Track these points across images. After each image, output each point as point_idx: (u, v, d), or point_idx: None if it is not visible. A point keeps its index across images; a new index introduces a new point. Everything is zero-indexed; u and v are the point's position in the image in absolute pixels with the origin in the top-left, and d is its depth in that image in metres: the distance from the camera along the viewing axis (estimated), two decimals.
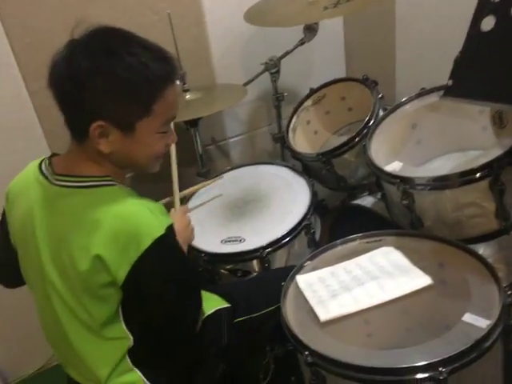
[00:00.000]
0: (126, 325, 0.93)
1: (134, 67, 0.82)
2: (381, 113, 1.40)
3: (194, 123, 1.54)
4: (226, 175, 1.58)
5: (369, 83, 1.47)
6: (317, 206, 1.44)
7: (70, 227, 0.87)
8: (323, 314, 0.96)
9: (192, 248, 1.31)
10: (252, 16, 1.49)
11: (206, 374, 1.05)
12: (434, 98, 1.28)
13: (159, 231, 0.85)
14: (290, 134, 1.59)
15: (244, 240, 1.31)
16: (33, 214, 0.92)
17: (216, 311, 1.08)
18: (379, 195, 1.34)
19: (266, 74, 1.63)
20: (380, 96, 1.42)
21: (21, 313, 1.52)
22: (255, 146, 1.97)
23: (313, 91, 1.64)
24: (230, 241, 1.32)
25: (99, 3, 1.49)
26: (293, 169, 1.53)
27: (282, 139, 1.66)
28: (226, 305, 1.11)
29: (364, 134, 1.35)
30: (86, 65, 0.82)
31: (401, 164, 1.19)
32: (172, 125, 1.10)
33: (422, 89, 1.31)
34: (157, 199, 1.21)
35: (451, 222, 1.12)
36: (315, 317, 0.97)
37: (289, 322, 0.97)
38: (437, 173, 1.09)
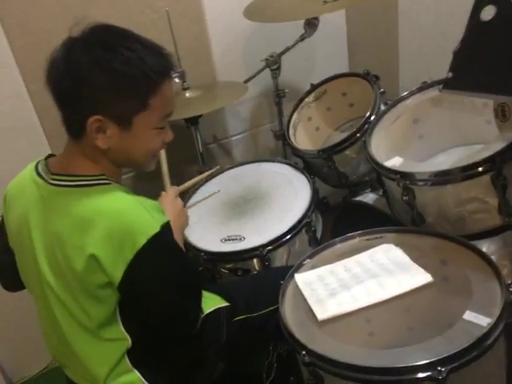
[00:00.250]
0: (124, 326, 0.93)
1: (132, 62, 0.83)
2: (382, 108, 1.37)
3: (194, 121, 1.54)
4: (227, 173, 1.56)
5: (370, 78, 1.45)
6: (318, 204, 1.43)
7: (64, 226, 0.87)
8: (321, 313, 0.95)
9: (192, 247, 1.31)
10: (251, 12, 1.48)
11: (204, 373, 1.05)
12: (435, 92, 1.25)
13: (154, 229, 0.85)
14: (291, 131, 1.58)
15: (244, 238, 1.29)
16: (28, 214, 0.92)
17: (215, 310, 1.07)
18: (381, 192, 1.32)
19: (268, 70, 1.62)
20: (381, 91, 1.40)
21: (25, 313, 1.53)
22: (257, 143, 1.95)
23: (313, 87, 1.62)
24: (229, 239, 1.31)
25: (99, 3, 1.49)
26: (294, 166, 1.51)
27: (283, 136, 1.64)
28: (226, 304, 1.10)
29: (365, 129, 1.33)
30: (84, 60, 0.82)
31: (401, 159, 1.16)
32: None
33: (424, 83, 1.29)
34: (156, 197, 1.21)
35: (453, 218, 1.09)
36: (313, 316, 0.95)
37: (287, 322, 0.95)
38: (439, 168, 1.07)
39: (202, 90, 1.56)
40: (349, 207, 1.57)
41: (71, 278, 0.88)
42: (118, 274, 0.84)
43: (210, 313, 1.05)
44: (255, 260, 1.27)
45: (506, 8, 0.84)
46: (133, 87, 0.85)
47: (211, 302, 1.08)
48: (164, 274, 0.90)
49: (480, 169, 1.00)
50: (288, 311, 0.99)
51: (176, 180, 1.31)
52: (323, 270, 1.07)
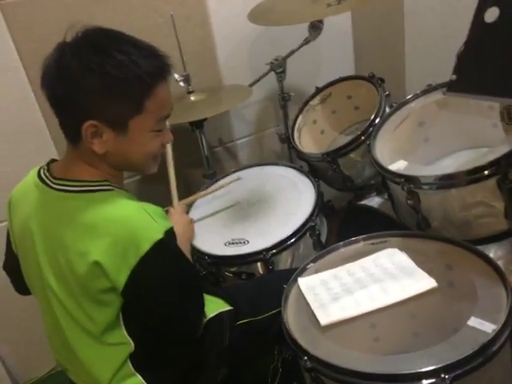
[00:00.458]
0: (127, 330, 0.93)
1: (124, 65, 0.82)
2: (387, 111, 1.36)
3: (198, 125, 1.54)
4: (231, 177, 1.56)
5: (375, 81, 1.44)
6: (323, 207, 1.42)
7: (66, 231, 0.87)
8: (324, 318, 0.94)
9: (196, 250, 1.31)
10: (255, 15, 1.48)
11: (207, 377, 1.04)
12: (440, 95, 1.24)
13: (158, 235, 0.84)
14: (296, 134, 1.57)
15: (248, 242, 1.29)
16: (31, 218, 0.92)
17: (218, 314, 1.07)
18: (386, 195, 1.30)
19: (273, 74, 1.61)
20: (386, 93, 1.39)
21: (31, 316, 1.53)
22: (263, 147, 1.95)
23: (318, 90, 1.61)
24: (233, 243, 1.30)
25: (104, 7, 1.50)
26: (298, 169, 1.50)
27: (288, 140, 1.64)
28: (229, 307, 1.09)
29: (370, 132, 1.32)
30: (75, 64, 0.81)
31: (406, 163, 1.15)
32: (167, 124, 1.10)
33: (429, 85, 1.27)
34: (161, 201, 1.21)
35: (459, 223, 1.08)
36: (316, 321, 0.95)
37: (289, 326, 0.95)
38: (444, 171, 1.06)
39: (207, 93, 1.56)
40: (354, 211, 1.55)
41: (73, 282, 0.88)
42: (121, 279, 0.84)
43: (212, 317, 1.05)
44: (259, 264, 1.26)
45: (510, 9, 0.83)
46: (126, 91, 0.83)
47: (214, 306, 1.08)
48: (167, 279, 0.90)
49: (485, 172, 0.99)
50: (291, 315, 0.99)
51: (181, 184, 1.31)
52: (326, 275, 1.06)
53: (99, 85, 0.82)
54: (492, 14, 0.84)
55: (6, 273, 1.10)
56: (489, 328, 0.81)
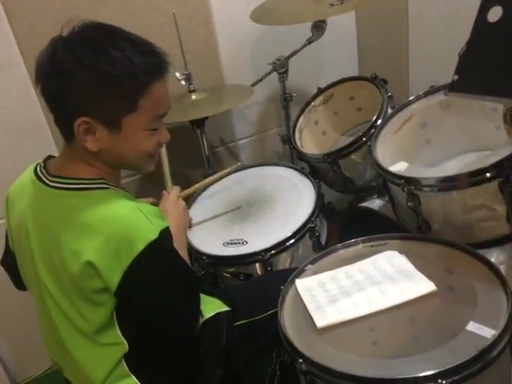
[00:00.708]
0: (121, 330, 0.91)
1: (119, 61, 0.80)
2: (390, 112, 1.35)
3: (199, 124, 1.53)
4: (231, 177, 1.55)
5: (377, 82, 1.43)
6: (323, 209, 1.40)
7: (60, 229, 0.86)
8: (320, 320, 0.92)
9: (194, 250, 1.30)
10: (258, 15, 1.48)
11: (203, 379, 1.03)
12: (443, 96, 1.23)
13: (153, 235, 0.83)
14: (297, 135, 1.56)
15: (246, 242, 1.28)
16: (26, 215, 0.91)
17: (215, 314, 1.05)
18: (387, 198, 1.29)
19: (275, 74, 1.60)
20: (389, 95, 1.38)
21: (29, 314, 1.52)
22: (264, 147, 1.94)
23: (320, 91, 1.60)
24: (232, 243, 1.29)
25: (106, 5, 1.50)
26: (299, 170, 1.49)
27: (290, 140, 1.63)
28: (226, 308, 1.08)
29: (371, 134, 1.31)
30: (68, 59, 0.80)
31: (406, 164, 1.14)
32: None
33: (431, 87, 1.26)
34: (159, 199, 1.20)
35: (460, 226, 1.07)
36: (313, 323, 0.93)
37: (285, 328, 0.93)
38: (445, 173, 1.04)
39: (208, 92, 1.55)
40: (355, 213, 1.54)
41: (67, 281, 0.87)
42: (114, 280, 0.83)
43: (210, 317, 1.04)
44: (257, 264, 1.25)
45: None
46: (119, 88, 0.82)
47: (212, 306, 1.07)
48: (162, 280, 0.88)
49: (487, 175, 0.98)
50: (287, 317, 0.97)
51: (182, 183, 1.29)
52: (324, 276, 1.05)
53: (92, 81, 0.81)
54: (495, 14, 0.83)
55: (5, 269, 1.09)
56: (488, 333, 0.80)
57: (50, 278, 0.90)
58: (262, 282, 1.23)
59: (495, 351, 0.77)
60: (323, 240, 1.36)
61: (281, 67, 1.58)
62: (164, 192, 1.21)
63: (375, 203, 1.48)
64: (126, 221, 0.83)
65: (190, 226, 1.36)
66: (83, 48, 0.80)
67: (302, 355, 0.85)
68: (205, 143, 1.58)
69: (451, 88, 0.88)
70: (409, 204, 1.08)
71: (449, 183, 1.02)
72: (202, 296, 1.01)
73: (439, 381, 0.74)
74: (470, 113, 1.20)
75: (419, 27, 1.72)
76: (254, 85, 1.61)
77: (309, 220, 1.27)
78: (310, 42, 1.54)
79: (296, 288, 1.03)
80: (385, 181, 1.21)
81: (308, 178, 1.44)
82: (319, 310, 0.95)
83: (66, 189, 0.88)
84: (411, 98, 1.30)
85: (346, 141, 1.50)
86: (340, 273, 1.05)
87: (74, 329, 0.91)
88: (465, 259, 0.99)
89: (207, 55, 1.70)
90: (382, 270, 1.02)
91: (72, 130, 0.83)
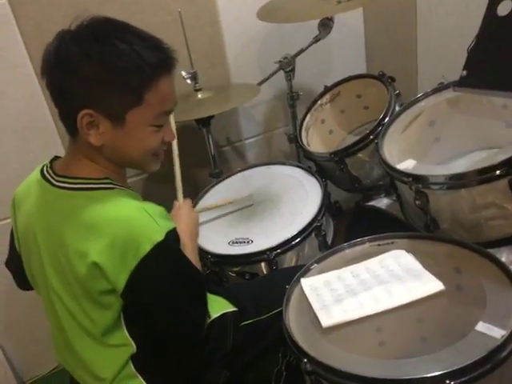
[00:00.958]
0: (129, 331, 0.91)
1: (125, 54, 0.79)
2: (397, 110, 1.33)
3: (205, 123, 1.52)
4: (237, 175, 1.54)
5: (385, 79, 1.41)
6: (329, 208, 1.39)
7: (66, 230, 0.85)
8: (325, 320, 0.91)
9: (199, 249, 1.29)
10: (265, 13, 1.47)
11: (209, 380, 1.02)
12: (451, 94, 1.21)
13: (159, 236, 0.82)
14: (304, 134, 1.55)
15: (252, 241, 1.27)
16: (33, 216, 0.91)
17: (222, 315, 1.05)
18: (395, 197, 1.27)
19: (282, 73, 1.59)
20: (397, 92, 1.36)
21: (36, 313, 1.53)
22: (271, 147, 1.93)
23: (327, 89, 1.59)
24: (237, 242, 1.28)
25: (112, 3, 1.50)
26: (305, 169, 1.48)
27: (296, 139, 1.61)
28: (233, 308, 1.07)
29: (378, 131, 1.29)
30: (74, 50, 0.80)
31: (414, 162, 1.12)
32: (173, 122, 1.08)
33: (440, 84, 1.24)
34: (169, 200, 1.19)
35: (469, 224, 1.04)
36: (318, 322, 0.92)
37: (290, 327, 0.92)
38: (453, 171, 1.02)
39: (214, 91, 1.54)
40: (362, 212, 1.52)
41: (74, 282, 0.87)
42: (121, 281, 0.82)
43: (216, 317, 1.03)
44: (263, 264, 1.24)
45: None
46: (125, 80, 0.81)
47: (218, 306, 1.06)
48: (168, 281, 0.88)
49: (497, 172, 0.95)
50: (292, 316, 0.96)
51: (187, 182, 1.29)
52: (330, 276, 1.04)
53: (97, 72, 0.80)
54: (505, 7, 0.81)
55: (8, 269, 1.09)
56: (498, 334, 0.78)
57: (57, 280, 0.90)
58: (267, 280, 1.22)
59: (505, 352, 0.75)
60: (329, 239, 1.34)
61: (287, 66, 1.56)
62: (175, 202, 1.20)
63: (382, 202, 1.46)
64: (132, 221, 0.83)
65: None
66: (90, 40, 0.80)
67: (306, 355, 0.84)
68: (211, 142, 1.57)
69: (459, 83, 0.86)
70: (416, 202, 1.06)
71: (457, 181, 1.00)
72: (209, 295, 1.01)
73: (447, 382, 0.72)
74: (480, 110, 1.18)
75: (428, 24, 1.70)
76: (260, 83, 1.60)
77: (315, 219, 1.26)
78: (317, 40, 1.52)
79: (301, 287, 1.02)
80: (392, 179, 1.19)
81: (315, 176, 1.42)
82: (325, 310, 0.94)
83: (72, 189, 0.87)
84: (419, 96, 1.28)
85: (352, 139, 1.49)
86: (346, 272, 1.03)
87: (82, 330, 0.90)
88: (474, 258, 0.97)
89: (213, 54, 1.69)
90: (389, 269, 1.00)
91: (75, 124, 0.83)
